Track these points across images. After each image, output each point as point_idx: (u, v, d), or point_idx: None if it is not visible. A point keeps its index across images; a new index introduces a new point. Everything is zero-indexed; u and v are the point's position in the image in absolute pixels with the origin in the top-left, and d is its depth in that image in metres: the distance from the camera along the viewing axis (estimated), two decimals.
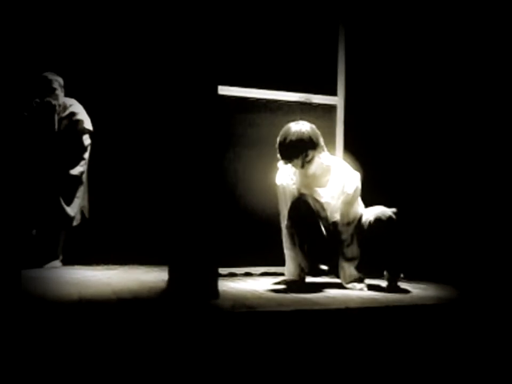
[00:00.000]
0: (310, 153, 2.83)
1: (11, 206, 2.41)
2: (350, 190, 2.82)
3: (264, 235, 3.34)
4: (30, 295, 2.42)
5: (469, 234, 3.57)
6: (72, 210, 3.81)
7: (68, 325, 1.93)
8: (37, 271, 3.48)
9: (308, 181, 2.92)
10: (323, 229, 2.79)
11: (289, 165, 2.89)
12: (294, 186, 2.92)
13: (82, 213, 3.91)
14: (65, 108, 3.84)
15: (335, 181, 2.88)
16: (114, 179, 4.24)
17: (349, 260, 2.83)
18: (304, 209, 2.77)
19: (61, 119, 3.83)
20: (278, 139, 2.85)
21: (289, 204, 2.85)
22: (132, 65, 4.27)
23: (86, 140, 3.89)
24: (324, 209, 2.86)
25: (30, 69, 3.82)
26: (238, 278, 3.20)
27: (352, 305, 2.32)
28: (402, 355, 2.19)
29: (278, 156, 2.86)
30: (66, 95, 3.91)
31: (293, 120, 2.93)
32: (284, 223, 2.92)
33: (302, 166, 2.85)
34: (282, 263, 3.01)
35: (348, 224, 2.82)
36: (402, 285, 2.88)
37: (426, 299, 2.54)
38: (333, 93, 3.57)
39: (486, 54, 3.70)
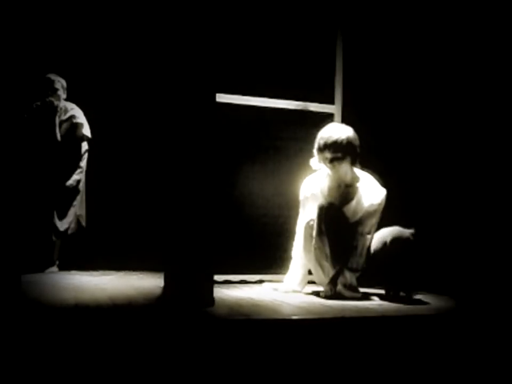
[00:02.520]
0: (348, 159, 2.87)
1: (10, 211, 2.41)
2: (376, 201, 2.86)
3: (260, 243, 3.35)
4: (27, 300, 2.41)
5: (464, 243, 3.57)
6: (64, 224, 3.78)
7: (64, 330, 1.93)
8: (34, 276, 3.47)
9: (334, 193, 2.93)
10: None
11: (321, 166, 2.91)
12: (320, 195, 2.94)
13: (78, 221, 3.91)
14: (66, 110, 3.85)
15: (361, 196, 2.90)
16: (112, 185, 4.24)
17: (353, 269, 2.83)
18: (336, 216, 2.80)
19: (61, 122, 3.84)
20: (324, 134, 2.88)
21: (316, 211, 2.84)
22: (131, 74, 4.30)
23: (84, 146, 3.89)
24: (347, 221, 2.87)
25: (32, 71, 3.83)
26: (233, 285, 3.20)
27: (348, 314, 2.32)
28: (400, 365, 2.19)
29: (316, 151, 2.88)
30: (68, 100, 3.92)
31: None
32: (301, 230, 2.92)
33: (333, 168, 2.87)
34: (278, 271, 3.02)
35: (363, 234, 2.85)
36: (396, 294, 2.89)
37: (425, 309, 2.54)
38: (331, 101, 3.60)
39: (486, 59, 3.71)
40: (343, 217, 2.85)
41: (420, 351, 2.24)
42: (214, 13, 2.52)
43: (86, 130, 3.88)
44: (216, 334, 2.02)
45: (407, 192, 3.55)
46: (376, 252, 2.83)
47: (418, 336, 2.27)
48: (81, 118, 3.87)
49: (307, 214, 2.93)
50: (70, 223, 3.84)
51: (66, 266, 3.85)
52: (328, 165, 2.90)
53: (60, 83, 3.85)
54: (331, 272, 2.80)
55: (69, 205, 3.83)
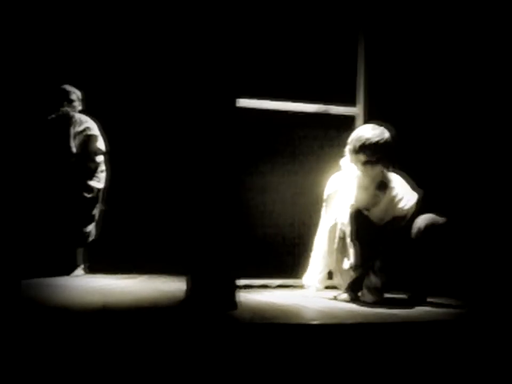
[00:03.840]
0: (383, 162, 2.79)
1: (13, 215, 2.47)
2: (406, 207, 2.79)
3: (281, 247, 3.37)
4: (55, 303, 2.48)
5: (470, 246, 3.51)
6: (84, 231, 3.85)
7: (93, 332, 1.98)
8: (61, 279, 3.57)
9: (362, 196, 2.86)
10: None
11: (351, 167, 2.84)
12: (346, 195, 2.87)
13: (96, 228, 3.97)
14: (80, 122, 3.88)
15: (391, 199, 2.83)
16: (136, 189, 4.32)
17: (378, 273, 2.78)
18: (363, 222, 2.77)
19: (75, 133, 3.89)
20: (360, 135, 2.79)
21: (342, 213, 2.80)
22: (151, 80, 4.36)
23: (99, 158, 3.93)
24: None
25: (48, 82, 3.91)
26: (254, 290, 3.23)
27: (371, 320, 2.33)
28: (423, 372, 2.19)
29: (350, 152, 2.80)
30: (86, 111, 3.99)
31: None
32: (324, 229, 2.89)
33: (365, 170, 2.80)
34: (298, 276, 3.04)
35: (389, 239, 2.77)
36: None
37: (448, 314, 2.53)
38: (352, 102, 3.57)
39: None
40: (370, 222, 2.80)
41: (443, 357, 2.23)
42: (233, 18, 2.55)
43: (100, 143, 3.90)
44: (240, 338, 2.05)
45: (431, 194, 3.53)
46: (409, 239, 2.75)
47: (441, 342, 2.26)
48: (95, 130, 3.89)
49: (331, 213, 2.88)
50: (92, 229, 3.91)
51: (92, 269, 3.94)
52: (360, 167, 2.81)
53: (76, 94, 3.90)
54: (351, 276, 2.79)
55: (88, 213, 3.89)
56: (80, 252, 3.92)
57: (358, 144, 2.78)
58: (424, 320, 2.39)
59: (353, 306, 2.70)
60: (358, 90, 3.57)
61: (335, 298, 2.87)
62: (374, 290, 2.79)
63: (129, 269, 3.95)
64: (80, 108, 3.94)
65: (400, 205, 2.82)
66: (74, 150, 3.84)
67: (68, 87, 3.89)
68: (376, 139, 2.75)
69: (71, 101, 3.86)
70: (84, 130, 3.88)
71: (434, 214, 2.80)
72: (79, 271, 3.89)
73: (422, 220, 2.77)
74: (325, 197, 2.96)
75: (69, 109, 3.86)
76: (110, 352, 1.94)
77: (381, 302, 2.77)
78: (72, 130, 3.87)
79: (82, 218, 3.86)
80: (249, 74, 3.38)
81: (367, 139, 2.76)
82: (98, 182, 3.91)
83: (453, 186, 3.68)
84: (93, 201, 3.90)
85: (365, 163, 2.78)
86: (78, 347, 1.92)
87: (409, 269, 2.81)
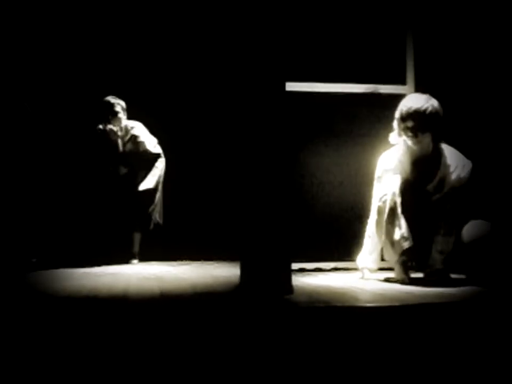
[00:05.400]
0: (432, 130, 2.70)
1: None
2: (463, 175, 2.69)
3: (334, 229, 3.34)
4: (115, 290, 2.56)
5: None
6: (146, 220, 4.03)
7: (152, 319, 2.03)
8: (118, 267, 3.69)
9: (415, 168, 2.78)
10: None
11: (400, 141, 2.78)
12: (399, 170, 2.80)
13: (156, 218, 4.10)
14: (127, 131, 3.99)
15: (446, 170, 2.74)
16: (187, 176, 4.39)
17: (440, 252, 2.71)
18: (415, 191, 2.69)
19: (124, 143, 4.01)
20: (406, 103, 2.74)
21: (391, 185, 2.73)
22: (199, 68, 4.39)
23: (157, 150, 4.02)
24: (425, 198, 2.73)
25: (93, 92, 4.02)
26: (309, 273, 3.23)
27: (431, 301, 2.28)
28: (488, 352, 2.13)
29: (397, 121, 2.75)
30: (131, 108, 4.05)
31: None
32: (375, 206, 2.83)
33: (414, 139, 2.71)
34: (353, 258, 3.00)
35: (450, 213, 2.67)
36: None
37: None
38: (402, 81, 3.48)
39: None
40: (423, 194, 2.70)
41: (504, 336, 2.16)
42: (282, 1, 2.52)
43: (150, 145, 4.00)
44: (298, 322, 2.05)
45: (483, 179, 3.41)
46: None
47: (503, 321, 2.19)
48: (142, 135, 4.00)
49: (382, 190, 2.81)
50: (151, 220, 4.02)
51: (145, 257, 4.04)
52: (409, 135, 2.72)
53: (120, 105, 3.99)
54: (401, 247, 2.69)
55: (148, 205, 4.00)
56: (137, 240, 4.03)
57: (404, 110, 2.72)
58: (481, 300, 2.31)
59: (409, 288, 2.64)
60: (408, 68, 3.47)
61: (395, 281, 2.81)
62: (436, 271, 2.71)
63: (180, 256, 4.04)
64: (125, 117, 4.02)
65: (456, 174, 2.73)
66: (124, 156, 3.97)
67: (112, 99, 3.97)
68: (423, 105, 2.69)
69: (116, 113, 3.96)
70: (132, 138, 4.00)
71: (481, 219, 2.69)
72: (135, 259, 4.00)
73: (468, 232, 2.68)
74: (376, 175, 2.90)
75: (113, 124, 3.96)
76: (171, 338, 1.98)
77: (446, 283, 2.68)
78: (121, 142, 3.99)
79: (142, 209, 4.00)
80: (297, 58, 3.33)
81: (413, 105, 2.70)
82: (154, 176, 4.00)
83: (502, 168, 3.53)
84: (150, 193, 4.00)
85: (413, 130, 2.69)
86: (140, 333, 1.96)
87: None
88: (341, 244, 3.31)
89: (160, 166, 4.03)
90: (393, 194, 2.73)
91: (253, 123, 2.52)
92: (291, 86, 3.25)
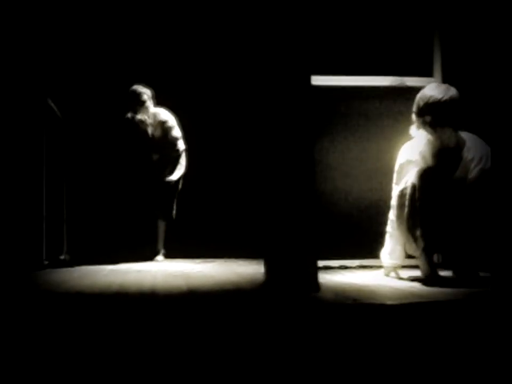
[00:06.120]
0: (452, 121, 2.64)
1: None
2: (487, 166, 2.61)
3: (358, 226, 3.32)
4: (142, 287, 2.60)
5: None
6: (167, 213, 4.07)
7: (181, 315, 2.05)
8: (144, 264, 3.74)
9: (437, 161, 2.71)
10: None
11: (421, 133, 2.72)
12: (420, 162, 2.74)
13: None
14: (155, 118, 4.05)
15: (468, 161, 2.67)
16: (209, 173, 4.42)
17: (467, 247, 2.64)
18: (437, 182, 2.62)
19: (154, 130, 4.06)
20: (424, 94, 2.68)
21: (415, 181, 2.65)
22: (222, 62, 4.40)
23: (180, 146, 4.08)
24: (451, 191, 2.65)
25: (121, 81, 4.08)
26: (334, 270, 3.22)
27: (458, 298, 2.26)
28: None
29: (416, 114, 2.70)
30: (159, 97, 4.11)
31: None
32: (395, 200, 2.78)
33: (435, 132, 2.66)
34: (377, 255, 2.98)
35: (475, 206, 2.60)
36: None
37: None
38: (429, 73, 3.42)
39: None
40: (446, 186, 2.63)
41: None
42: None
43: (176, 132, 4.05)
44: (326, 319, 2.05)
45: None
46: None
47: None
48: (169, 121, 4.05)
49: (403, 184, 2.74)
50: (173, 214, 4.07)
51: (169, 255, 4.09)
52: (429, 129, 2.67)
53: (146, 94, 4.04)
54: (424, 241, 2.62)
55: (172, 197, 4.04)
56: (161, 238, 4.08)
57: (422, 103, 2.66)
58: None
59: (435, 286, 2.61)
60: (435, 60, 3.40)
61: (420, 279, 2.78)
62: (465, 269, 2.66)
63: (204, 254, 4.07)
64: (152, 105, 4.07)
65: (482, 164, 2.65)
66: (154, 143, 4.02)
67: (139, 89, 4.04)
68: (442, 96, 2.63)
69: (143, 102, 4.01)
70: (160, 124, 4.04)
71: None
72: (160, 256, 4.05)
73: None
74: (396, 166, 2.84)
75: (141, 113, 4.02)
76: (199, 334, 2.00)
77: (475, 282, 2.63)
78: (150, 130, 4.03)
79: (167, 198, 4.06)
80: (323, 51, 3.30)
81: (431, 97, 2.64)
82: (180, 169, 4.06)
83: None
84: (175, 185, 4.07)
85: (433, 123, 2.64)
86: (168, 329, 1.99)
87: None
88: (365, 240, 3.29)
89: (183, 163, 4.08)
90: (414, 187, 2.66)
91: (277, 118, 2.51)
92: (317, 80, 3.23)
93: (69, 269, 3.45)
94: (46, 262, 3.58)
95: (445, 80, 3.33)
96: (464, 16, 3.46)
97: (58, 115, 3.99)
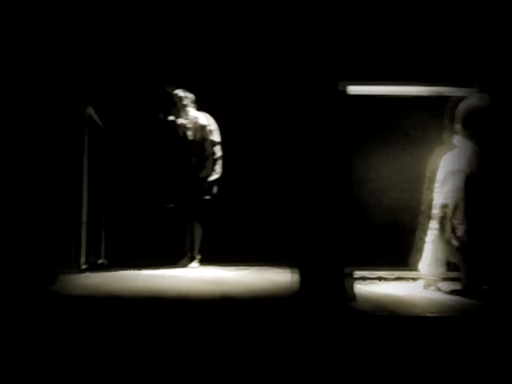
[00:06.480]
0: (485, 130, 2.66)
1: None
2: None
3: (395, 237, 3.26)
4: (177, 292, 2.61)
5: None
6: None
7: (213, 320, 2.05)
8: (179, 270, 3.76)
9: (475, 167, 2.69)
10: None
11: (456, 141, 2.73)
12: (456, 170, 2.72)
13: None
14: (196, 121, 4.09)
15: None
16: (246, 181, 4.42)
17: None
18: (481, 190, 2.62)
19: (194, 132, 4.10)
20: (461, 105, 2.73)
21: (457, 191, 2.65)
22: (255, 72, 4.42)
23: (218, 150, 4.10)
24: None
25: (161, 89, 4.15)
26: (370, 281, 3.16)
27: (502, 312, 2.18)
28: None
29: (452, 123, 2.74)
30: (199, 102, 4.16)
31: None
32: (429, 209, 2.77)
33: (471, 140, 2.68)
34: (413, 266, 2.91)
35: None
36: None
37: None
38: (467, 83, 3.35)
39: None
40: (492, 196, 2.61)
41: None
42: (339, 4, 2.49)
43: (215, 136, 4.09)
44: (364, 329, 2.01)
45: None
46: None
47: None
48: (209, 125, 4.08)
49: (445, 194, 2.71)
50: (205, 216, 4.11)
51: (204, 261, 4.10)
52: (476, 139, 2.67)
53: (188, 99, 4.09)
54: (466, 257, 2.59)
55: (206, 199, 4.09)
56: (197, 245, 4.09)
57: (458, 114, 2.69)
58: None
59: (477, 299, 2.53)
60: (474, 71, 3.34)
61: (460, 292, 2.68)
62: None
63: (237, 261, 4.06)
64: (193, 109, 4.12)
65: None
66: (193, 145, 4.06)
67: (181, 92, 4.09)
68: (476, 106, 2.67)
69: (185, 106, 4.07)
70: (199, 128, 4.09)
71: None
72: (195, 263, 4.06)
73: None
74: (438, 177, 2.80)
75: (183, 115, 4.07)
76: (234, 340, 1.99)
77: None
78: (191, 133, 4.08)
79: (201, 199, 4.08)
80: (360, 60, 3.28)
81: (467, 107, 2.68)
82: (217, 172, 4.10)
83: None
84: (210, 187, 4.10)
85: (476, 138, 2.66)
86: (201, 334, 1.99)
87: None
88: (401, 252, 3.22)
89: (219, 170, 4.11)
90: (461, 197, 2.63)
91: (311, 127, 2.50)
92: (352, 89, 3.21)
93: (107, 273, 3.50)
94: (85, 266, 3.64)
95: (484, 90, 3.26)
96: (507, 29, 3.39)
97: (99, 124, 4.08)
